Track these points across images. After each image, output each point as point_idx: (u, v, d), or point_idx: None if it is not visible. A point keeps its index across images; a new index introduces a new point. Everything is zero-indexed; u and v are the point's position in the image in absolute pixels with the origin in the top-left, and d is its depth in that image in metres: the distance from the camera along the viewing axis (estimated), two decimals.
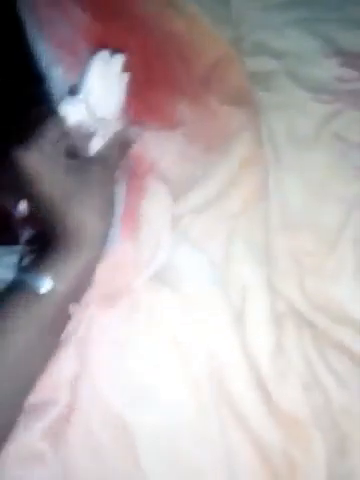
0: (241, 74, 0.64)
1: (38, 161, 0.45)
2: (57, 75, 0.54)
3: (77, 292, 0.46)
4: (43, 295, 0.43)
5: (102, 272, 0.47)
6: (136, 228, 0.51)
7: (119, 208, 0.50)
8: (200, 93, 0.61)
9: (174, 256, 0.50)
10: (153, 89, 0.59)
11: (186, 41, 0.63)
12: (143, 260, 0.50)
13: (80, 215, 0.46)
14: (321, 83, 0.64)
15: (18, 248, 0.53)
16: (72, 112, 0.48)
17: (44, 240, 0.49)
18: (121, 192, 0.51)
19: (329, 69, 0.65)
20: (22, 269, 0.49)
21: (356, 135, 0.61)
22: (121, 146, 0.52)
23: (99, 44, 0.59)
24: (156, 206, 0.52)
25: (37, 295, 0.43)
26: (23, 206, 0.51)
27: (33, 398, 0.43)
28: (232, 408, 0.45)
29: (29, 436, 0.42)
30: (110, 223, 0.47)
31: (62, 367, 0.46)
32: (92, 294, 0.48)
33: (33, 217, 0.52)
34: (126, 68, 0.56)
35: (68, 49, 0.57)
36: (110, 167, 0.49)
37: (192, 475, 0.44)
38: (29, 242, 0.54)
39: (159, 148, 0.54)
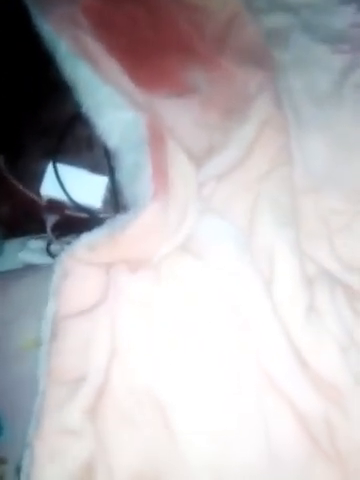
0: (255, 33, 0.62)
1: None
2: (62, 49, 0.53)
3: None
4: None
5: (132, 235, 0.47)
6: (165, 191, 0.48)
7: (147, 169, 0.48)
8: (214, 57, 0.59)
9: (197, 225, 0.49)
10: (163, 56, 0.57)
11: (194, 4, 0.61)
12: (171, 227, 0.48)
13: None
14: (338, 32, 0.61)
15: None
16: None
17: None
18: (145, 154, 0.49)
19: (345, 17, 0.62)
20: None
21: None
22: None
23: (103, 17, 0.57)
24: (181, 173, 0.50)
25: None
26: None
27: (70, 375, 0.44)
28: (267, 375, 0.44)
29: (67, 413, 0.43)
30: None
31: (97, 344, 0.46)
32: (118, 257, 0.47)
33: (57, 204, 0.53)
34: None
35: (70, 22, 0.55)
36: None
37: (224, 438, 0.43)
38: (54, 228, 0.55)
39: (173, 115, 0.52)
